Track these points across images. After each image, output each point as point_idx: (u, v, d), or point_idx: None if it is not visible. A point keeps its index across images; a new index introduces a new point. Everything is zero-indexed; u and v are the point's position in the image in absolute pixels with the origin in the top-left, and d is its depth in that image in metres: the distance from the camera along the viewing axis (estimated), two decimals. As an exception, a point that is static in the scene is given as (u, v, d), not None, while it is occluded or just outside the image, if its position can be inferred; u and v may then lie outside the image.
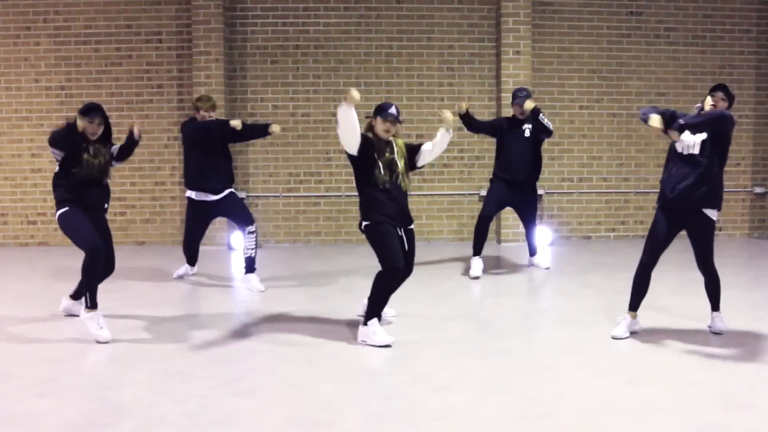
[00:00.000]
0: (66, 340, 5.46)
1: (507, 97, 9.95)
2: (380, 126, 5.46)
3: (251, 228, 7.25)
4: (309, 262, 8.90)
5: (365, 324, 5.33)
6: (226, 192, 7.27)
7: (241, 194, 10.03)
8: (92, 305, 5.45)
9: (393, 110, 5.46)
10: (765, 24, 10.49)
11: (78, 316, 5.84)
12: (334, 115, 10.16)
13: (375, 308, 5.35)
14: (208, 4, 9.72)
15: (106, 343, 5.32)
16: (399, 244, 5.39)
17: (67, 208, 5.54)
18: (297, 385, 4.45)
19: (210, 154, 7.12)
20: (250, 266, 7.31)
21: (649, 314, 6.12)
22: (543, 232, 10.13)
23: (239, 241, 9.73)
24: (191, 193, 7.32)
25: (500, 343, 5.36)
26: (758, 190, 10.69)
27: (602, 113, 10.46)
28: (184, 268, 7.90)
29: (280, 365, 4.86)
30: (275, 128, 6.66)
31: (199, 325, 5.95)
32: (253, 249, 7.27)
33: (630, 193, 10.46)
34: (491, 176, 8.08)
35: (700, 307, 6.36)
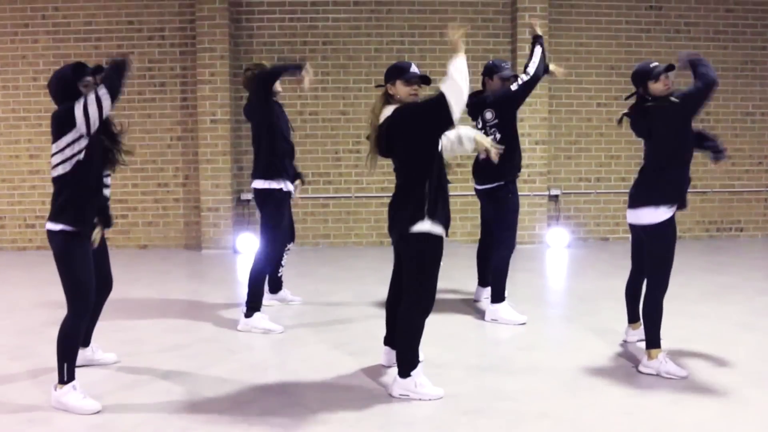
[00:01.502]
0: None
1: (522, 95, 9.60)
2: (404, 91, 4.31)
3: (291, 245, 6.62)
4: (318, 266, 8.57)
5: (404, 376, 4.26)
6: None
7: (248, 195, 9.71)
8: (69, 377, 4.18)
9: (415, 68, 4.37)
10: (789, 18, 10.15)
11: (98, 361, 4.93)
12: (344, 113, 9.87)
13: (412, 355, 4.29)
14: (212, -1, 9.40)
15: (98, 412, 4.10)
16: None
17: (76, 230, 4.17)
18: (312, 408, 4.10)
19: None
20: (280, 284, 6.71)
21: (684, 322, 5.79)
22: (559, 234, 9.80)
23: (247, 245, 9.43)
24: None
25: (528, 358, 5.01)
26: (782, 189, 10.36)
27: (621, 111, 10.08)
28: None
29: (292, 386, 4.51)
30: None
31: (204, 338, 5.60)
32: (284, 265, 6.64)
33: (649, 193, 10.13)
34: (507, 182, 6.02)
35: (735, 313, 6.05)
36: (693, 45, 10.08)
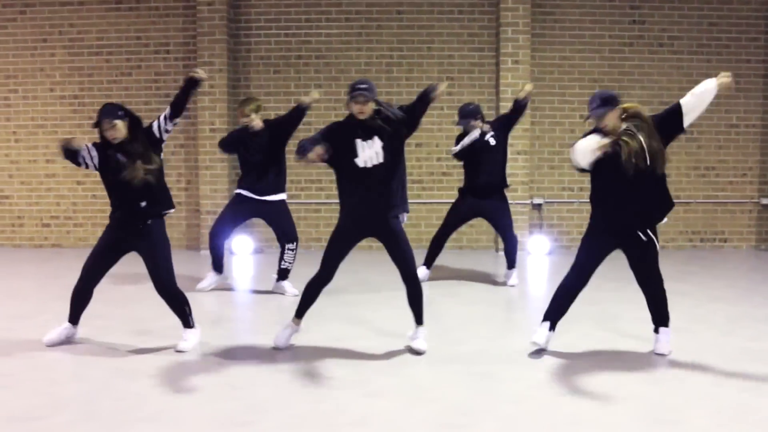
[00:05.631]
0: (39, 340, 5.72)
1: (505, 107, 10.01)
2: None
3: (291, 245, 7.45)
4: (309, 268, 9.06)
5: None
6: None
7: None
8: (69, 319, 5.60)
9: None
10: (773, 32, 10.32)
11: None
12: (333, 124, 10.39)
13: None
14: (212, 16, 10.04)
15: (55, 344, 5.50)
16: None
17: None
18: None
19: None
20: (283, 275, 7.54)
21: (610, 325, 6.12)
22: (541, 242, 10.14)
23: (245, 246, 10.03)
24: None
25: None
26: (765, 201, 10.48)
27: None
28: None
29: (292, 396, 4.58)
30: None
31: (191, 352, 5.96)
32: (291, 263, 7.49)
33: (632, 202, 10.42)
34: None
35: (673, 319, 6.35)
36: (676, 58, 10.33)
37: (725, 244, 10.56)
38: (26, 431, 3.98)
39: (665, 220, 5.23)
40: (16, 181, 10.73)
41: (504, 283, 8.02)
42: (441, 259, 9.43)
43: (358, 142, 5.17)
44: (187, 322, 5.56)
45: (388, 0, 10.33)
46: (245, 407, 4.33)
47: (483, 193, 7.81)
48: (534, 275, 8.82)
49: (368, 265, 9.06)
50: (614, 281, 7.37)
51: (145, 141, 5.26)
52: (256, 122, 7.32)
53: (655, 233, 5.22)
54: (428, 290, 7.67)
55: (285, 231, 7.45)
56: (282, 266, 7.49)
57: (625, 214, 5.12)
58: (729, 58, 10.35)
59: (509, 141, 9.94)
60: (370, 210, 5.24)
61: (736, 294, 7.62)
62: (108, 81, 10.47)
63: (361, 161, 5.17)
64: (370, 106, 5.17)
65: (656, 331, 5.49)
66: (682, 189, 10.44)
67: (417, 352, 5.42)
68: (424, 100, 5.24)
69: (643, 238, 5.18)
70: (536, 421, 4.16)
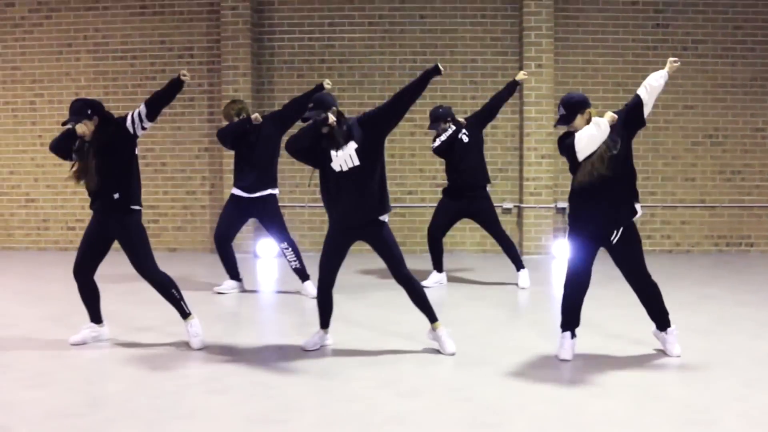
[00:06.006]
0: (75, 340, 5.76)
1: (529, 110, 10.05)
2: None
3: (284, 245, 7.46)
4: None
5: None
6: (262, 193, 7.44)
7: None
8: (91, 319, 5.75)
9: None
10: (799, 35, 10.24)
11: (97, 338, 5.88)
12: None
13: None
14: (236, 20, 10.10)
15: (80, 344, 5.63)
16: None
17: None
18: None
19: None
20: (300, 276, 7.55)
21: (632, 327, 6.09)
22: (565, 246, 10.09)
23: (269, 249, 10.05)
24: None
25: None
26: (792, 205, 10.42)
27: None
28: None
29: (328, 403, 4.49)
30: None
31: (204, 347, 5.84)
32: (295, 260, 7.47)
33: (657, 207, 10.37)
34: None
35: (698, 322, 6.30)
36: (701, 62, 10.28)
37: (751, 248, 10.47)
38: (66, 428, 4.02)
39: (640, 212, 5.19)
40: (41, 185, 10.82)
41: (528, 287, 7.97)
42: (465, 263, 9.45)
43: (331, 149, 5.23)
44: (182, 309, 5.60)
45: (411, 4, 10.36)
46: (279, 406, 4.36)
47: (464, 192, 7.79)
48: (558, 279, 8.78)
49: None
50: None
51: (110, 138, 5.27)
52: (256, 116, 7.34)
53: (634, 229, 5.19)
54: (454, 294, 7.73)
55: (276, 232, 7.47)
56: (291, 268, 7.49)
57: (597, 212, 5.09)
58: (754, 61, 10.29)
59: (533, 144, 10.06)
60: (353, 213, 5.24)
61: (763, 298, 7.54)
62: (132, 85, 10.55)
63: (336, 165, 5.18)
64: (331, 118, 5.15)
65: (663, 330, 5.41)
66: (708, 193, 10.38)
67: (449, 355, 5.40)
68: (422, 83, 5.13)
69: (616, 235, 5.13)
70: (567, 420, 4.17)
